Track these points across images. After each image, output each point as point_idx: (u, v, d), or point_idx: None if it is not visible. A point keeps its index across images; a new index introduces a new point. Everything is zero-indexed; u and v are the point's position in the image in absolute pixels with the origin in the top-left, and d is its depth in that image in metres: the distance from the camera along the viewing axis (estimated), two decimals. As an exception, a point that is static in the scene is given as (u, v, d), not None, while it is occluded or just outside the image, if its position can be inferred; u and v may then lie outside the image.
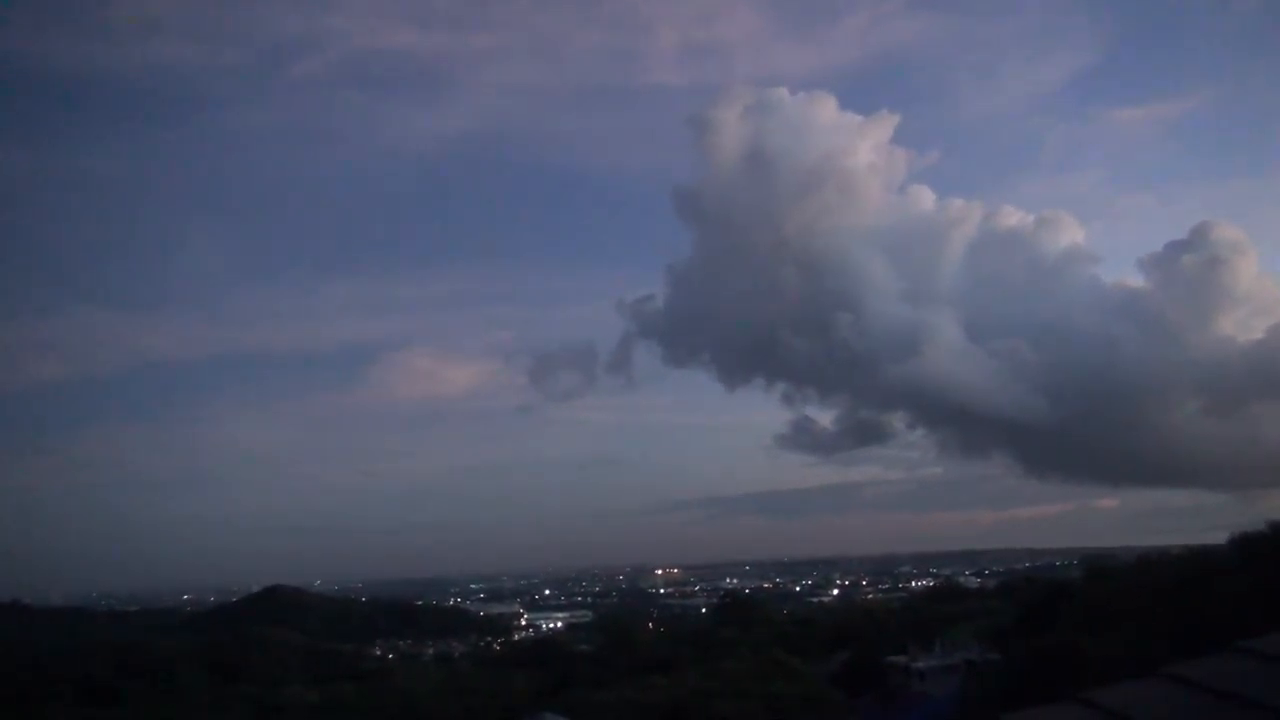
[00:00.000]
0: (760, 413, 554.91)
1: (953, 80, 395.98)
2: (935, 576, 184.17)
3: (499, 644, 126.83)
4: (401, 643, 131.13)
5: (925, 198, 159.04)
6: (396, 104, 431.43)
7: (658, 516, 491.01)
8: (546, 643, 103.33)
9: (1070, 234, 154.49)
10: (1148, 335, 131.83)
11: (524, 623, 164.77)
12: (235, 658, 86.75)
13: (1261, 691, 3.34)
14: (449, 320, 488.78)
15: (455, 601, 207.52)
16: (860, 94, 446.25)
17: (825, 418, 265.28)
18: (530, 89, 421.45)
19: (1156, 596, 34.73)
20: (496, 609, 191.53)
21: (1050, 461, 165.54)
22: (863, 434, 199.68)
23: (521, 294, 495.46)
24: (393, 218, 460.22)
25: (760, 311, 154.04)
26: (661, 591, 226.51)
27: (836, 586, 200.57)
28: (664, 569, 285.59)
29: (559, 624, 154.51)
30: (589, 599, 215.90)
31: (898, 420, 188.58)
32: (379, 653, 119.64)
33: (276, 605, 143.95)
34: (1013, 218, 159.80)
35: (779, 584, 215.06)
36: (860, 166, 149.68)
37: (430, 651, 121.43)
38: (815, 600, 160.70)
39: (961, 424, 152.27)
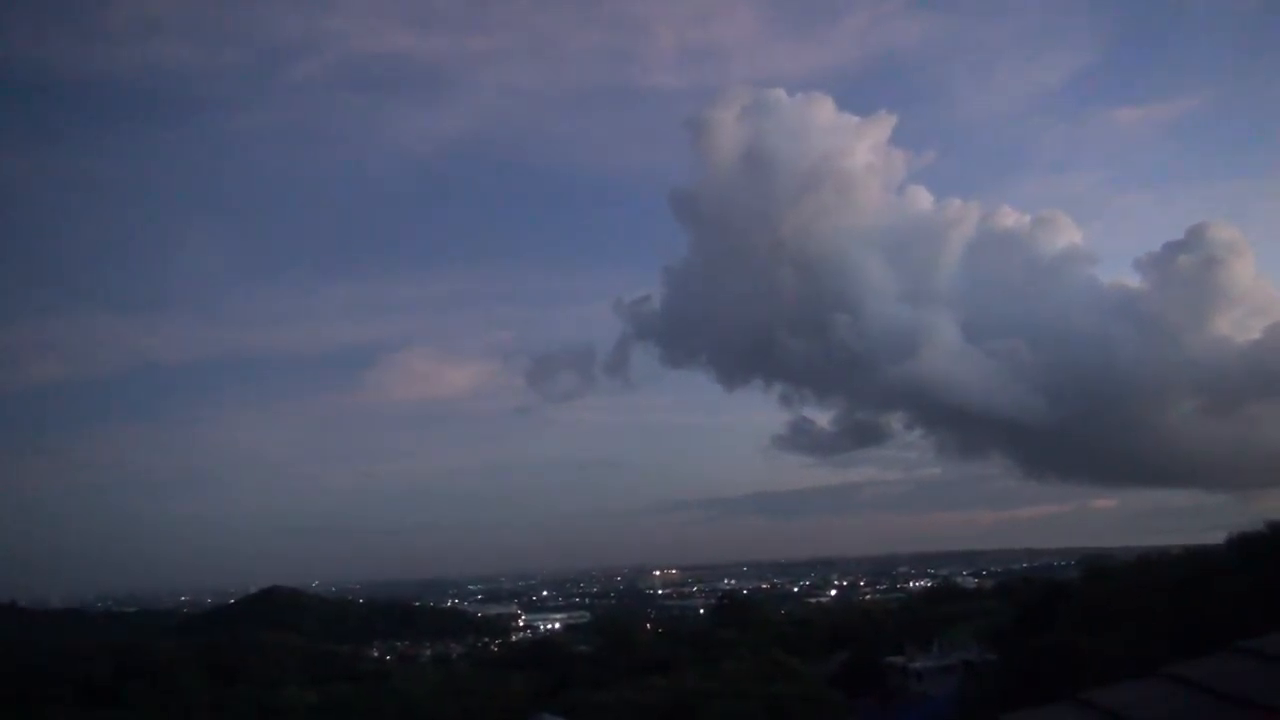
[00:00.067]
0: (758, 413, 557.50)
1: (950, 81, 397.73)
2: (933, 577, 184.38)
3: (497, 645, 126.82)
4: (399, 644, 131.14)
5: (923, 198, 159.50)
6: (396, 105, 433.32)
7: (656, 517, 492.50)
8: (544, 644, 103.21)
9: (1068, 234, 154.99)
10: (1145, 335, 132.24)
11: (522, 624, 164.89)
12: (233, 659, 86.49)
13: (1261, 691, 3.33)
14: (448, 321, 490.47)
15: (453, 602, 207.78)
16: (858, 95, 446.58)
17: (823, 418, 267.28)
18: (528, 90, 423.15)
19: (1155, 596, 34.70)
20: (494, 610, 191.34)
21: (1048, 462, 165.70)
22: (861, 434, 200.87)
23: (521, 294, 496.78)
24: (392, 218, 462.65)
25: (758, 312, 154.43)
26: (659, 592, 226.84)
27: (835, 587, 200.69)
28: (662, 570, 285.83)
29: (557, 625, 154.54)
30: (587, 600, 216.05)
31: (896, 421, 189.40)
32: (377, 654, 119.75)
33: (274, 606, 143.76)
34: (1010, 218, 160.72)
35: (777, 585, 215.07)
36: (858, 167, 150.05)
37: (428, 653, 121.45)
38: (813, 601, 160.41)
39: (959, 424, 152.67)
